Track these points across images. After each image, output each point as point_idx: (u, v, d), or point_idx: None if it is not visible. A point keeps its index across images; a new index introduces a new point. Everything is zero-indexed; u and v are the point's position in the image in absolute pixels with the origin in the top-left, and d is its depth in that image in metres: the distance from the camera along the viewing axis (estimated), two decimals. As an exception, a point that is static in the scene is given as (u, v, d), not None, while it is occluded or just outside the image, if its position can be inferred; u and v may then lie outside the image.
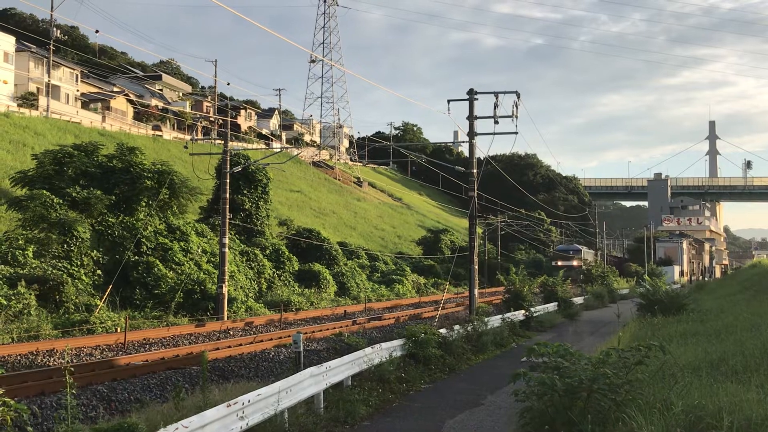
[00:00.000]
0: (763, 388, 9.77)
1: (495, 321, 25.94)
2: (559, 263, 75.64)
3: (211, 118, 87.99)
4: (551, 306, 36.69)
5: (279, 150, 60.01)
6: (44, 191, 30.50)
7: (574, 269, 69.15)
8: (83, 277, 28.70)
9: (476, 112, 27.92)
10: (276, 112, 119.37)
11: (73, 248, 29.23)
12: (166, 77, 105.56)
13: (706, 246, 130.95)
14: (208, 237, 37.31)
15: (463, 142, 31.37)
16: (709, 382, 10.51)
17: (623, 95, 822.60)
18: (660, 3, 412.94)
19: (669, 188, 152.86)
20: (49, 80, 71.21)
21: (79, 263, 29.17)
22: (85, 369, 15.07)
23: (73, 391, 9.50)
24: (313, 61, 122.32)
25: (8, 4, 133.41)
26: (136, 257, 31.39)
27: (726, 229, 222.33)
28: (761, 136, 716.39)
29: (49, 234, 28.86)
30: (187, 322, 27.48)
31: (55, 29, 77.08)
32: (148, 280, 30.58)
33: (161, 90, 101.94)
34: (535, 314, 31.62)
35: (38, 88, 72.04)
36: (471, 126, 27.90)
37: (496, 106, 27.34)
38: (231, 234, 36.21)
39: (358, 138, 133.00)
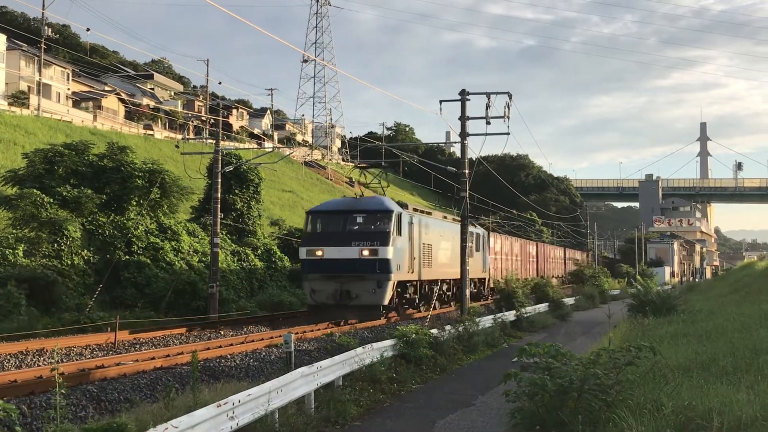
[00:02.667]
0: (753, 389, 9.80)
1: (486, 321, 25.95)
2: (317, 253, 26.36)
3: (203, 118, 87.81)
4: (542, 307, 36.73)
5: (271, 150, 59.95)
6: (34, 190, 30.36)
7: (368, 267, 25.71)
8: (74, 277, 28.59)
9: (468, 112, 27.92)
10: (268, 111, 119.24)
11: (63, 247, 29.11)
12: (157, 76, 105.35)
13: (697, 247, 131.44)
14: (200, 237, 37.22)
15: (455, 142, 31.36)
16: (699, 382, 10.54)
17: (615, 96, 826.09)
18: (651, 5, 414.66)
19: (660, 189, 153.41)
20: (40, 79, 70.96)
21: (69, 262, 29.06)
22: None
23: (63, 391, 9.45)
24: (305, 61, 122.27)
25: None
26: (127, 257, 31.30)
27: (717, 231, 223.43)
28: (752, 137, 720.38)
29: (39, 233, 28.74)
30: (178, 321, 27.39)
31: (46, 27, 76.76)
32: (139, 279, 30.51)
33: (153, 89, 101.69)
34: (526, 315, 31.64)
35: (29, 87, 71.79)
36: (463, 127, 27.91)
37: (488, 107, 27.36)
38: (222, 234, 36.13)
39: (351, 138, 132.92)
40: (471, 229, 35.34)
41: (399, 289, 27.19)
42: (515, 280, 37.22)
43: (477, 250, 38.88)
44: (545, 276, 56.70)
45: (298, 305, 34.11)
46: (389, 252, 25.72)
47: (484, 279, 40.33)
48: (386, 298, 25.64)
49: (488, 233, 43.68)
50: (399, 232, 26.71)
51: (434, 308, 31.40)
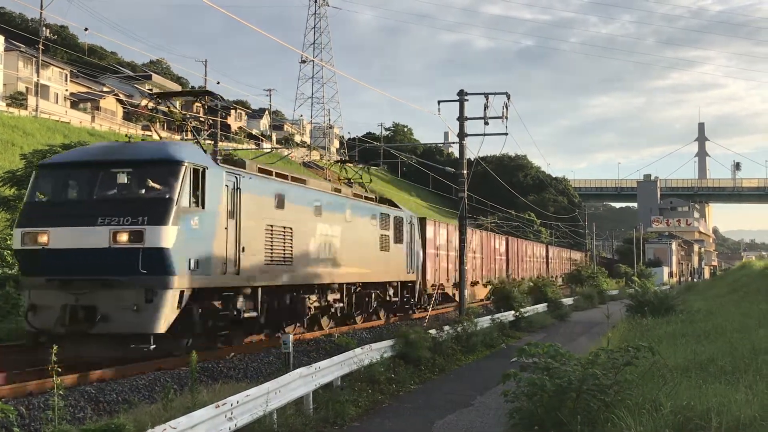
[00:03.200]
0: (752, 389, 9.80)
1: (484, 322, 25.94)
2: (39, 238, 14.28)
3: (201, 119, 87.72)
4: (541, 307, 36.71)
5: (269, 150, 59.93)
6: (33, 191, 30.30)
7: (126, 263, 13.73)
8: (72, 278, 28.53)
9: (467, 113, 27.89)
10: (266, 112, 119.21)
11: (61, 248, 29.07)
12: (156, 77, 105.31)
13: (695, 247, 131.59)
14: (198, 237, 37.15)
15: (453, 143, 31.36)
16: (697, 382, 10.53)
17: (613, 97, 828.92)
18: (649, 5, 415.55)
19: (658, 189, 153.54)
20: (38, 80, 70.89)
21: (67, 263, 29.01)
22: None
23: (61, 392, 9.44)
24: (303, 62, 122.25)
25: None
26: (126, 257, 31.23)
27: (715, 231, 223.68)
28: (750, 138, 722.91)
29: (37, 234, 28.70)
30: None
31: (44, 28, 76.67)
32: (138, 280, 30.41)
33: (151, 90, 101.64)
34: (524, 315, 31.63)
35: (27, 88, 71.76)
36: (461, 127, 27.90)
37: (486, 107, 27.35)
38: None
39: (349, 138, 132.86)
40: (385, 210, 26.60)
41: (213, 302, 15.81)
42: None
43: (398, 241, 27.22)
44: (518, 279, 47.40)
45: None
46: (169, 235, 14.03)
47: (413, 283, 29.29)
48: (162, 322, 14.16)
49: (424, 221, 32.91)
50: (199, 203, 14.93)
51: (432, 308, 29.57)
